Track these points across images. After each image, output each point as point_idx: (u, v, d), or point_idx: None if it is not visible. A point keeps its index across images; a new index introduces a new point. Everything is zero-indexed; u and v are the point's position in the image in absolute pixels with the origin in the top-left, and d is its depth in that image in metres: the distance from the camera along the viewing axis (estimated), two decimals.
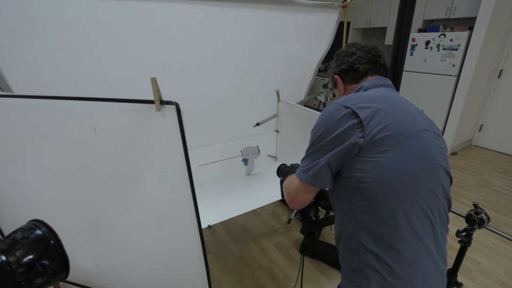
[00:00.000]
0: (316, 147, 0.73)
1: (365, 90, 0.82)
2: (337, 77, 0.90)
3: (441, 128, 3.59)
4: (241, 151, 1.84)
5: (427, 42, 3.53)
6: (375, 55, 0.86)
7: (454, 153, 3.60)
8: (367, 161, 0.67)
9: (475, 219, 1.12)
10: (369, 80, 0.84)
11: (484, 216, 1.12)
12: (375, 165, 0.67)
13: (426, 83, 3.63)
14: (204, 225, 1.19)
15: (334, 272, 1.83)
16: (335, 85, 0.94)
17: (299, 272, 1.32)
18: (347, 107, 0.71)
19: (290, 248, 2.05)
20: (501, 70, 3.45)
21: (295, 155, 1.90)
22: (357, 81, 0.87)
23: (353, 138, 0.68)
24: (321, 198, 1.03)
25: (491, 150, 3.70)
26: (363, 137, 0.67)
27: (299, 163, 0.98)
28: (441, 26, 3.47)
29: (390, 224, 0.67)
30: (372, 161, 0.67)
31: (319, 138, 0.73)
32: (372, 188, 0.67)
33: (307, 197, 0.79)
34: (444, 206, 0.74)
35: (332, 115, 0.72)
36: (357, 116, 0.68)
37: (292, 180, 0.81)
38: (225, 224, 2.31)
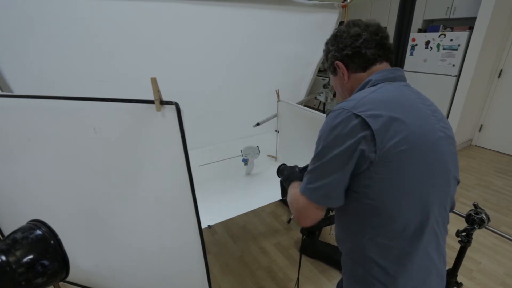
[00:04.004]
0: (323, 161, 0.65)
1: (374, 85, 0.71)
2: (340, 63, 0.77)
3: None
4: (241, 151, 1.84)
5: (427, 42, 3.53)
6: (382, 37, 0.74)
7: None
8: (377, 178, 0.61)
9: (475, 219, 1.12)
10: (378, 73, 0.73)
11: (484, 216, 1.12)
12: (386, 183, 0.61)
13: (426, 83, 3.63)
14: (204, 225, 1.19)
15: (334, 272, 1.83)
16: (334, 71, 0.81)
17: (298, 271, 1.32)
18: (357, 115, 0.61)
19: (290, 248, 2.05)
20: (501, 70, 3.45)
21: (295, 155, 1.91)
22: (365, 69, 0.75)
23: (364, 153, 0.60)
24: None
25: (491, 150, 3.70)
26: (375, 151, 0.60)
27: (298, 164, 0.97)
28: (441, 26, 3.47)
29: (399, 239, 0.64)
30: (383, 178, 0.61)
31: (326, 150, 0.64)
32: (381, 205, 0.63)
33: (319, 214, 0.70)
34: (448, 215, 0.73)
35: (341, 125, 0.62)
36: (368, 127, 0.60)
37: (297, 197, 0.71)
38: (225, 224, 2.31)
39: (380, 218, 0.64)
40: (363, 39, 0.73)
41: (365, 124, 0.60)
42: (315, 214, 0.69)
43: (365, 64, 0.74)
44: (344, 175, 0.63)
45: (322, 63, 2.51)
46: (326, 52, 0.82)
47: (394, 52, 1.47)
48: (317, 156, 0.66)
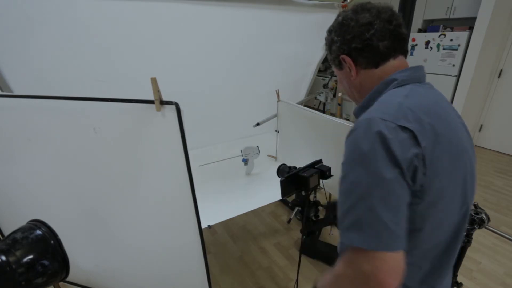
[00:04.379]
0: (377, 191, 0.48)
1: (400, 86, 0.60)
2: (347, 57, 0.65)
3: None
4: (241, 151, 1.84)
5: (427, 42, 3.53)
6: (397, 26, 0.62)
7: None
8: (423, 202, 0.53)
9: (475, 219, 1.12)
10: (403, 71, 0.62)
11: (484, 216, 1.12)
12: (431, 206, 0.54)
13: None
14: (204, 225, 1.19)
15: None
16: (339, 65, 0.69)
17: (298, 271, 1.32)
18: (404, 128, 0.50)
19: (290, 248, 2.05)
20: (501, 70, 3.45)
21: (295, 155, 1.91)
22: (377, 65, 0.63)
23: (418, 176, 0.50)
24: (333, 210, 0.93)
25: (491, 150, 3.70)
26: (424, 173, 0.50)
27: (297, 164, 0.92)
28: (441, 26, 3.47)
29: (430, 259, 0.60)
30: (428, 202, 0.53)
31: (374, 175, 0.48)
32: (420, 228, 0.55)
33: (403, 263, 0.49)
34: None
35: (388, 140, 0.48)
36: (418, 143, 0.50)
37: (353, 260, 0.50)
38: (225, 224, 2.31)
39: (415, 240, 0.56)
40: (375, 29, 0.60)
41: (414, 139, 0.50)
42: (400, 267, 0.48)
43: (377, 60, 0.63)
44: (406, 202, 0.51)
45: (322, 62, 2.51)
46: (329, 42, 0.70)
47: None
48: (357, 185, 0.50)
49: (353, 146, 0.52)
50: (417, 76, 0.62)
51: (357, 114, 0.67)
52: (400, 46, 0.64)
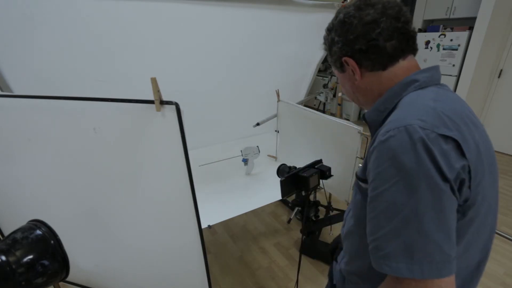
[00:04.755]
0: (428, 211, 0.43)
1: (421, 88, 0.55)
2: (350, 60, 0.59)
3: None
4: (241, 151, 1.84)
5: (427, 42, 3.53)
6: (405, 23, 0.55)
7: None
8: (466, 219, 0.49)
9: None
10: (423, 72, 0.56)
11: None
12: (472, 222, 0.50)
13: None
14: (204, 225, 1.19)
15: None
16: (341, 67, 0.63)
17: (298, 271, 1.32)
18: (447, 137, 0.44)
19: (290, 248, 2.05)
20: (501, 70, 3.45)
21: (295, 155, 1.91)
22: (385, 67, 0.57)
23: (464, 190, 0.45)
24: None
25: None
26: (469, 186, 0.46)
27: (296, 165, 0.92)
28: (441, 26, 3.47)
29: (463, 275, 0.56)
30: (471, 217, 0.49)
31: (423, 193, 0.43)
32: (460, 245, 0.51)
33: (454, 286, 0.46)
34: None
35: (433, 152, 0.43)
36: (463, 153, 0.45)
37: None
38: (225, 224, 2.31)
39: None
40: (381, 28, 0.54)
41: (459, 149, 0.45)
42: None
43: (385, 62, 0.56)
44: (454, 219, 0.46)
45: (322, 62, 2.51)
46: (330, 43, 0.63)
47: None
48: (403, 203, 0.44)
49: (391, 159, 0.45)
50: (437, 77, 0.57)
51: (372, 118, 0.60)
52: (408, 45, 0.57)
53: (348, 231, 0.67)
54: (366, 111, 0.62)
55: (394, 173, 0.45)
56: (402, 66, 0.57)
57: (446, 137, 0.44)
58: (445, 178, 0.43)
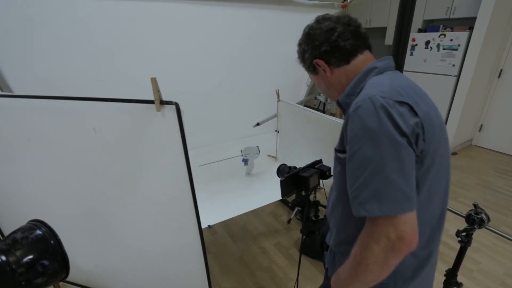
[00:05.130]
0: (390, 161, 0.54)
1: (381, 73, 0.68)
2: (320, 61, 0.73)
3: None
4: (241, 151, 1.84)
5: (427, 42, 3.53)
6: (356, 27, 0.71)
7: (454, 153, 3.60)
8: (422, 168, 0.59)
9: (475, 219, 1.12)
10: (381, 61, 0.70)
11: (484, 216, 1.12)
12: (428, 171, 0.60)
13: (426, 83, 3.63)
14: (204, 225, 1.19)
15: None
16: (314, 70, 0.77)
17: (298, 271, 1.32)
18: (402, 102, 0.56)
19: (290, 248, 2.05)
20: (501, 70, 3.45)
21: (295, 155, 1.91)
22: (348, 61, 0.71)
23: (419, 143, 0.56)
24: None
25: (491, 150, 3.70)
26: (424, 140, 0.57)
27: (296, 165, 0.95)
28: (441, 26, 3.46)
29: (430, 225, 0.66)
30: (426, 167, 0.59)
31: (385, 147, 0.54)
32: (422, 196, 0.61)
33: (416, 220, 0.56)
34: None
35: (391, 113, 0.54)
36: (415, 113, 0.56)
37: (379, 233, 0.55)
38: (225, 224, 2.31)
39: (417, 207, 0.61)
40: (338, 32, 0.69)
41: (412, 110, 0.56)
42: (414, 222, 0.55)
43: (347, 57, 0.71)
44: (413, 162, 0.57)
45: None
46: (302, 53, 0.79)
47: (394, 52, 1.48)
48: (365, 159, 0.55)
49: (360, 124, 0.56)
50: (392, 65, 0.71)
51: (344, 101, 0.71)
52: (363, 43, 0.72)
53: (333, 205, 0.77)
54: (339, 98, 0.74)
55: (363, 134, 0.56)
56: (361, 59, 0.71)
57: (401, 102, 0.56)
58: (402, 133, 0.54)
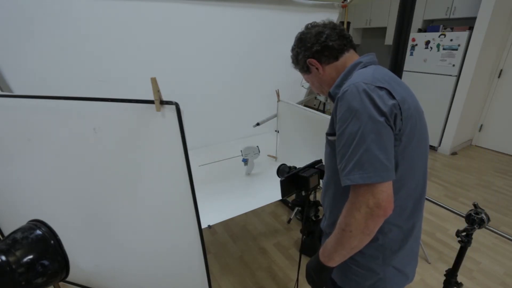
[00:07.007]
0: (370, 135, 0.62)
1: (365, 67, 0.77)
2: (312, 60, 0.83)
3: (441, 128, 3.60)
4: (241, 151, 1.84)
5: (427, 42, 3.53)
6: (341, 30, 0.83)
7: (454, 153, 3.60)
8: (400, 146, 0.67)
9: (475, 219, 1.12)
10: (365, 56, 0.80)
11: (484, 216, 1.12)
12: (407, 148, 0.68)
13: (426, 83, 3.63)
14: (204, 225, 1.19)
15: None
16: (308, 70, 0.87)
17: (298, 271, 1.32)
18: (381, 87, 0.65)
19: (290, 248, 2.05)
20: (501, 70, 3.45)
21: (295, 155, 1.91)
22: (336, 58, 0.82)
23: (397, 122, 0.65)
24: None
25: (491, 150, 3.70)
26: (401, 119, 0.65)
27: (296, 165, 0.97)
28: (441, 26, 3.46)
29: (412, 199, 0.74)
30: (404, 145, 0.68)
31: (366, 123, 0.62)
32: (402, 170, 0.69)
33: (392, 190, 0.64)
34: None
35: (372, 96, 0.63)
36: (393, 97, 0.65)
37: (360, 202, 0.63)
38: (225, 224, 2.31)
39: (400, 181, 0.70)
40: (326, 34, 0.81)
41: (390, 94, 0.65)
42: (390, 191, 0.63)
43: (335, 54, 0.81)
44: (391, 138, 0.65)
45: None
46: (295, 56, 0.89)
47: (394, 52, 1.48)
48: (349, 137, 0.64)
49: (346, 106, 0.66)
50: (374, 60, 0.81)
51: (335, 92, 0.80)
52: (348, 43, 0.83)
53: (325, 186, 0.85)
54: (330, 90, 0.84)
55: (349, 115, 0.65)
56: (348, 56, 0.82)
57: (381, 88, 0.65)
58: (381, 113, 0.63)
